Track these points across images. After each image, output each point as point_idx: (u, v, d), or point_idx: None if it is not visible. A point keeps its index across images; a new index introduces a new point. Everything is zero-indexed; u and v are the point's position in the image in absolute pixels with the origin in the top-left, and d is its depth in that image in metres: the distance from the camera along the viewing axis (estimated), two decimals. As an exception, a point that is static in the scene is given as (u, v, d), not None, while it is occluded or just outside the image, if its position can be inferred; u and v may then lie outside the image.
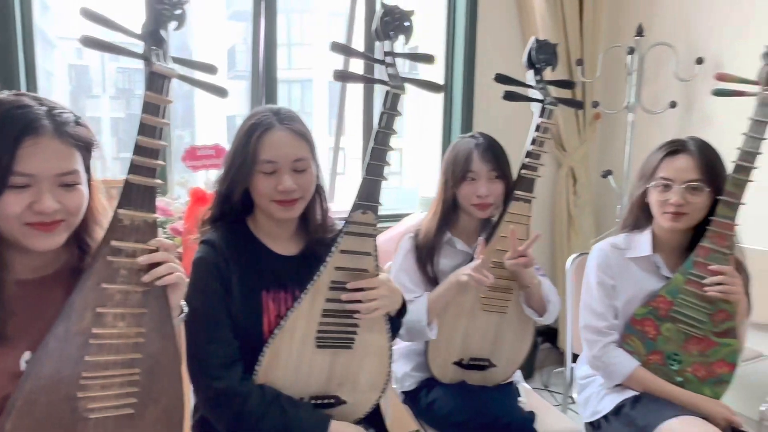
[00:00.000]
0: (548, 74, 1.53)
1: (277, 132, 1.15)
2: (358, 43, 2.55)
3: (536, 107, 1.46)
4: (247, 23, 2.34)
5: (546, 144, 1.45)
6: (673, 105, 2.48)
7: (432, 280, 1.48)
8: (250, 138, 1.15)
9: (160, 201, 1.95)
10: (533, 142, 1.44)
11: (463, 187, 1.47)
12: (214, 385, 1.11)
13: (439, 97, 2.69)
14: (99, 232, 0.96)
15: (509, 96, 1.44)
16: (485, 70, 2.56)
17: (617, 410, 1.42)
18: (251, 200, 1.22)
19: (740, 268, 1.43)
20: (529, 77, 1.50)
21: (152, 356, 0.94)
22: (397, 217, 2.44)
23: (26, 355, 0.88)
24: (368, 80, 1.16)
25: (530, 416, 1.41)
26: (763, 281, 2.13)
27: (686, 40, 2.48)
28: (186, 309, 1.03)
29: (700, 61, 2.39)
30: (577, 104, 1.60)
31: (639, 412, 1.36)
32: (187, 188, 2.01)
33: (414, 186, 3.09)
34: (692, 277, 1.38)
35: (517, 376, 1.62)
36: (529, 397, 1.63)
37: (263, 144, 1.14)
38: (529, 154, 1.45)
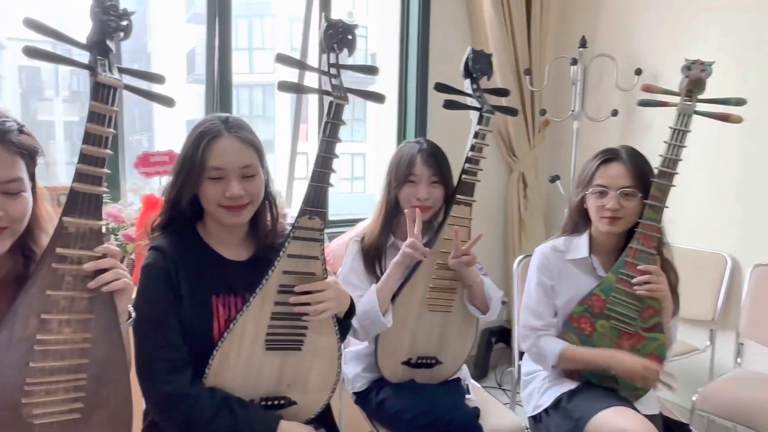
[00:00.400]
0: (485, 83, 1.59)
1: (224, 140, 1.18)
2: (315, 48, 2.58)
3: (474, 115, 1.53)
4: (206, 26, 2.34)
5: (485, 149, 1.51)
6: (614, 113, 2.61)
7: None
8: (198, 145, 1.17)
9: (112, 208, 1.94)
10: (472, 148, 1.51)
11: (404, 189, 1.53)
12: (163, 389, 1.13)
13: (394, 104, 2.76)
14: (44, 239, 0.97)
15: (449, 105, 1.51)
16: (438, 78, 2.63)
17: (556, 404, 1.49)
18: (201, 207, 1.24)
19: (668, 267, 1.53)
20: (467, 86, 1.56)
21: (99, 361, 0.95)
22: (352, 222, 2.48)
23: (-30, 362, 0.89)
24: (312, 91, 1.20)
25: (475, 412, 1.48)
26: (695, 279, 2.27)
27: (626, 52, 2.62)
28: (134, 314, 1.05)
29: (638, 72, 2.52)
30: (512, 112, 1.67)
31: (575, 405, 1.44)
32: (140, 195, 2.00)
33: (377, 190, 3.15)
34: (623, 276, 1.47)
35: (465, 374, 1.68)
36: (477, 394, 1.70)
37: (211, 151, 1.17)
38: (468, 160, 1.51)
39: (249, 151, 1.20)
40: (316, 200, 1.18)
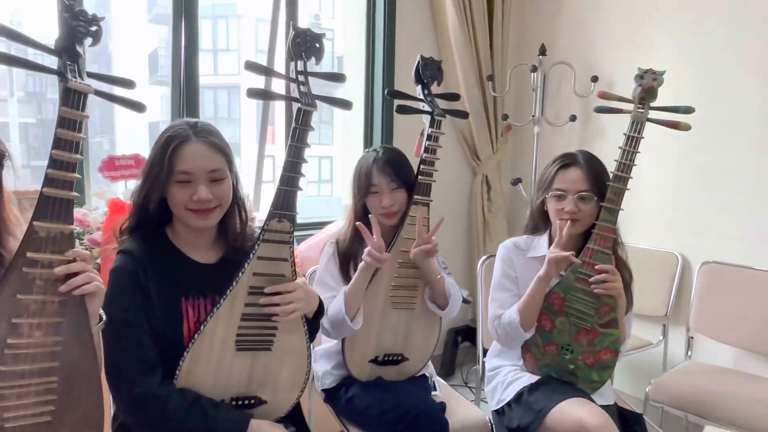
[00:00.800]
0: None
1: (192, 144, 1.20)
2: (282, 51, 2.60)
3: (427, 119, 1.58)
4: (169, 27, 2.32)
5: (440, 151, 1.56)
6: (573, 118, 2.71)
7: None
8: (166, 150, 1.19)
9: (77, 212, 1.93)
10: (426, 150, 1.56)
11: (370, 200, 1.58)
12: (134, 390, 1.13)
13: (361, 109, 2.80)
14: (12, 243, 0.98)
15: (401, 109, 1.56)
16: (403, 83, 2.70)
17: (518, 397, 1.56)
18: (169, 210, 1.26)
19: (623, 266, 1.61)
20: (418, 91, 1.61)
21: (70, 364, 0.96)
22: (320, 225, 2.51)
23: (-61, 366, 0.89)
24: (280, 97, 1.23)
25: (441, 407, 1.53)
26: (648, 277, 2.38)
27: (583, 60, 2.73)
28: (104, 317, 1.06)
29: (595, 79, 2.63)
30: (462, 115, 1.73)
31: (535, 398, 1.51)
32: (106, 199, 1.99)
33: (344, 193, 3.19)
34: (581, 275, 1.54)
35: (431, 371, 1.74)
36: (443, 390, 1.76)
37: (179, 156, 1.18)
38: (423, 162, 1.56)
39: (217, 156, 1.22)
40: (285, 203, 1.21)
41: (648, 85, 1.58)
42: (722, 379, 2.05)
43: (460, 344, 3.09)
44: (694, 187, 2.40)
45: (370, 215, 1.54)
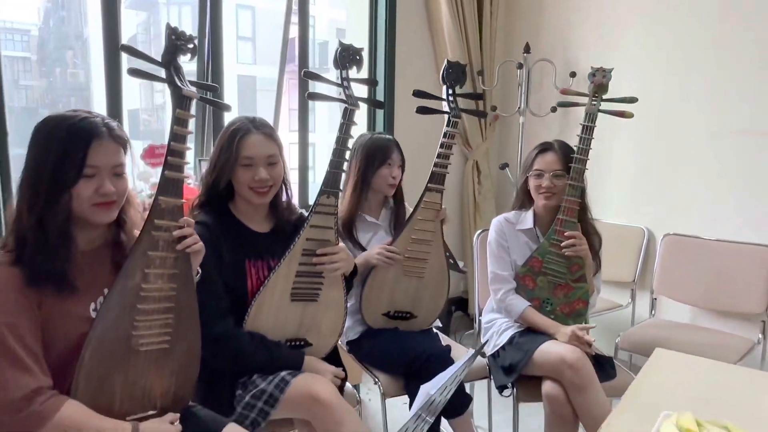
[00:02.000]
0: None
1: (254, 135, 1.50)
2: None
3: (445, 117, 1.87)
4: (147, 13, 2.51)
5: (453, 147, 1.84)
6: (553, 110, 3.03)
7: (360, 248, 1.91)
8: (233, 140, 1.49)
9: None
10: (441, 145, 1.84)
11: (383, 170, 1.88)
12: (214, 330, 1.43)
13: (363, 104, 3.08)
14: (132, 212, 1.26)
15: (421, 110, 1.84)
16: (404, 85, 2.98)
17: (510, 341, 1.90)
18: (231, 190, 1.56)
19: (593, 233, 1.95)
20: (444, 91, 1.89)
21: (181, 305, 1.25)
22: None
23: (92, 305, 1.18)
24: (333, 99, 1.53)
25: (447, 349, 1.86)
26: (619, 248, 2.74)
27: (563, 58, 3.06)
28: (200, 271, 1.36)
29: (573, 74, 2.96)
30: (481, 114, 2.03)
31: (524, 340, 1.85)
32: (149, 182, 2.26)
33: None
34: (554, 241, 1.87)
35: (436, 324, 2.06)
36: (445, 341, 2.08)
37: (244, 145, 1.49)
38: (439, 155, 1.84)
39: (272, 144, 1.53)
40: (332, 183, 1.52)
41: (598, 81, 1.90)
42: (680, 330, 2.43)
43: (454, 313, 3.43)
44: (657, 171, 2.76)
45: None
